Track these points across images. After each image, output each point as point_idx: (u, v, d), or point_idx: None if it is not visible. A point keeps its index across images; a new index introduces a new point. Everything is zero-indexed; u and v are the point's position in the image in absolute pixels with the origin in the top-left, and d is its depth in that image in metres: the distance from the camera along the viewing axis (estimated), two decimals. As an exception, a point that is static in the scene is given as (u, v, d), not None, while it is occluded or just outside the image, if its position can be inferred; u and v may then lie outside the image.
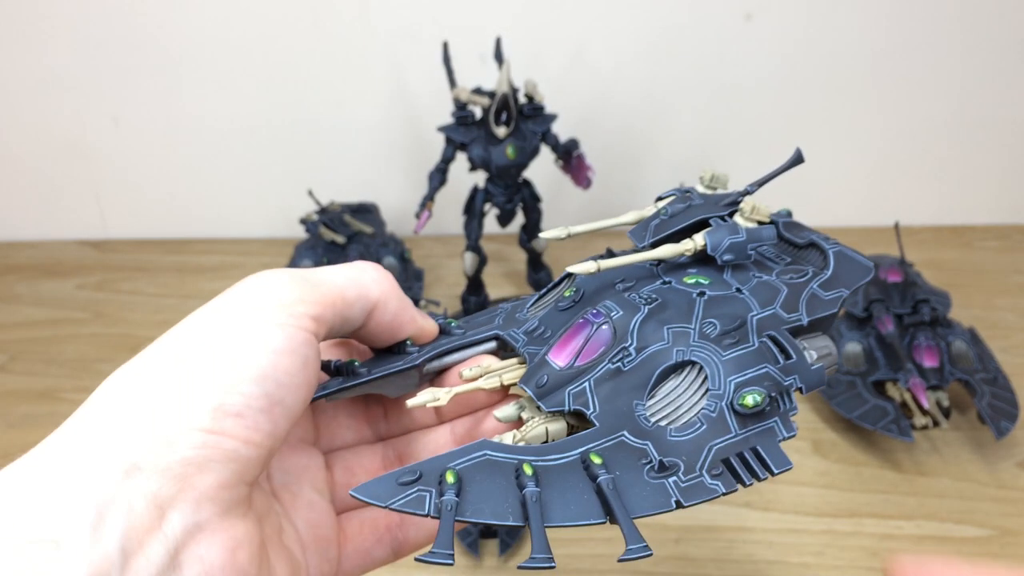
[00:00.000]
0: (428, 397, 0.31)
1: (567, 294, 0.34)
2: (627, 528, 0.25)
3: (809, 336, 0.32)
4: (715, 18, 0.82)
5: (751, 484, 0.28)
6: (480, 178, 0.73)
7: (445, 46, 0.68)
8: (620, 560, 0.25)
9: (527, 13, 0.81)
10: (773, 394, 0.29)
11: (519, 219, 0.76)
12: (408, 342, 0.34)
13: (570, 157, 0.72)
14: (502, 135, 0.68)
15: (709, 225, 0.34)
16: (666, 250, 0.33)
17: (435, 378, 0.34)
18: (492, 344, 0.35)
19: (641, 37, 0.83)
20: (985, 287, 0.83)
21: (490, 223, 0.75)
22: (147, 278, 0.88)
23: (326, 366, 0.32)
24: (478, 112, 0.69)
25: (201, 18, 0.82)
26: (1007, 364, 0.68)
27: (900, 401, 0.64)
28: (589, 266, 0.32)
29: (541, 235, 0.36)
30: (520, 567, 0.24)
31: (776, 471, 0.28)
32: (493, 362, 0.33)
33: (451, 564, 0.24)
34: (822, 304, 0.33)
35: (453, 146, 0.70)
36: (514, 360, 0.33)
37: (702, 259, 0.34)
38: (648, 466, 0.27)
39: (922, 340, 0.66)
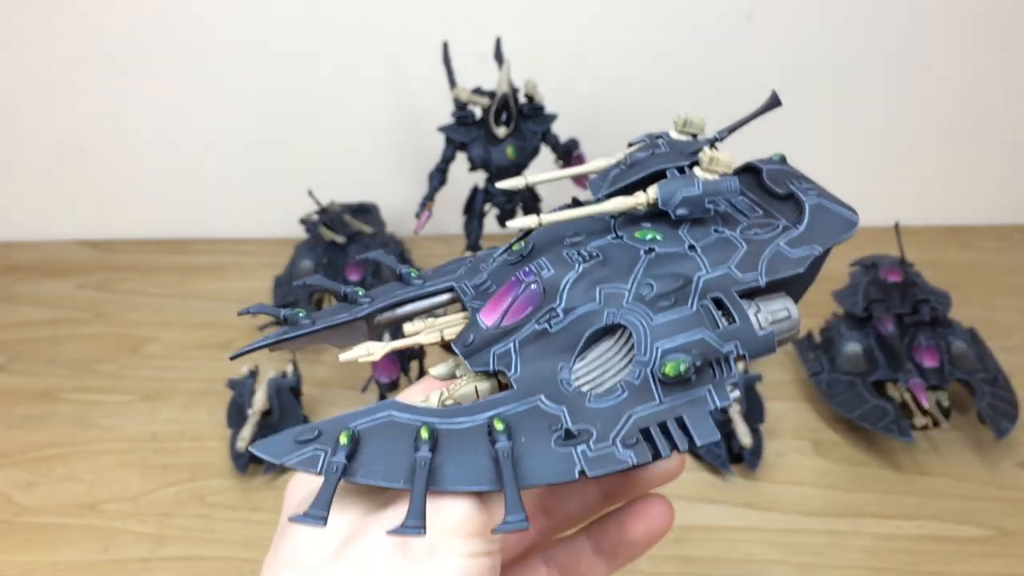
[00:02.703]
0: (362, 351, 0.30)
1: (515, 248, 0.33)
2: (510, 498, 0.24)
3: (767, 297, 0.30)
4: (715, 18, 0.82)
5: (668, 456, 0.26)
6: (480, 178, 0.73)
7: (445, 46, 0.68)
8: (494, 531, 0.24)
9: (527, 13, 0.81)
10: (699, 362, 0.27)
11: (519, 219, 0.75)
12: (360, 292, 0.32)
13: (570, 157, 0.72)
14: (502, 135, 0.68)
15: (666, 176, 0.32)
16: (616, 203, 0.31)
17: (389, 330, 0.33)
18: (446, 296, 0.33)
19: (641, 37, 0.83)
20: (985, 287, 0.83)
21: (490, 223, 0.75)
22: (147, 278, 0.88)
23: (276, 316, 0.32)
24: (478, 112, 0.69)
25: (201, 18, 0.82)
26: (1007, 364, 0.68)
27: (900, 401, 0.64)
28: (530, 220, 0.30)
29: (499, 185, 0.33)
30: (388, 532, 0.23)
31: (699, 442, 0.26)
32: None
33: (323, 526, 0.23)
34: (786, 263, 0.30)
35: (453, 146, 0.70)
36: (459, 315, 0.32)
37: (659, 213, 0.32)
38: (556, 434, 0.26)
39: (922, 340, 0.66)
